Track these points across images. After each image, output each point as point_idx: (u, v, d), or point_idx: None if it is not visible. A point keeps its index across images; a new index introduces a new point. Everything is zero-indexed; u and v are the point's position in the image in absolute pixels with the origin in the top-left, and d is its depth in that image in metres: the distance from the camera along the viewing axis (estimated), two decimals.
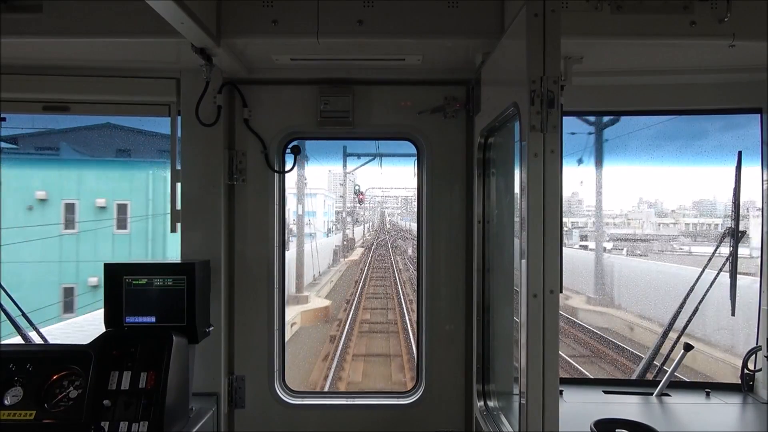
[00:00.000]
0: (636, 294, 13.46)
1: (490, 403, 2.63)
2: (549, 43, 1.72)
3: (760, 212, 2.91)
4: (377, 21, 2.40)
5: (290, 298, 15.09)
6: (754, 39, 2.26)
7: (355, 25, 2.39)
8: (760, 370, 2.91)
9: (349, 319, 14.54)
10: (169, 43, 2.40)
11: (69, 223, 16.19)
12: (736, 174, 2.99)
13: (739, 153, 2.98)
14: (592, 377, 8.51)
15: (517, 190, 1.92)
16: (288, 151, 3.05)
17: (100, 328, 2.48)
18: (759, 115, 2.90)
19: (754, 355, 2.93)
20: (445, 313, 3.00)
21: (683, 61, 2.67)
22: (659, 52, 2.53)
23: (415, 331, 4.47)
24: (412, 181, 3.22)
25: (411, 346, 11.60)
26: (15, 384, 2.31)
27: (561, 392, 2.83)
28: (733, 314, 3.07)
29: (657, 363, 3.19)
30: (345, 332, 13.07)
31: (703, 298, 3.10)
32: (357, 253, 31.48)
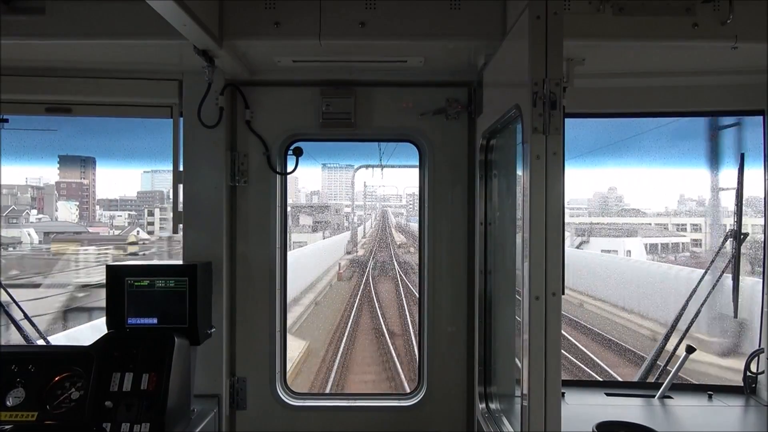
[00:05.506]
0: None
1: (492, 405, 2.63)
2: (551, 45, 1.73)
3: (763, 214, 2.90)
4: (379, 23, 2.40)
5: None
6: (756, 41, 2.25)
7: (357, 26, 2.39)
8: (762, 372, 2.90)
9: None
10: (171, 45, 2.40)
11: None
12: (738, 176, 2.98)
13: (742, 155, 2.98)
14: (593, 379, 8.49)
15: (519, 192, 1.92)
16: (290, 152, 3.05)
17: None
18: (761, 117, 2.89)
19: (756, 358, 2.92)
20: (446, 315, 2.99)
21: (685, 63, 2.66)
22: (661, 54, 2.53)
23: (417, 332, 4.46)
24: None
25: None
26: (17, 385, 2.31)
27: (563, 394, 2.82)
28: (735, 316, 3.06)
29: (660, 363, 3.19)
30: None
31: (705, 300, 3.10)
32: None
